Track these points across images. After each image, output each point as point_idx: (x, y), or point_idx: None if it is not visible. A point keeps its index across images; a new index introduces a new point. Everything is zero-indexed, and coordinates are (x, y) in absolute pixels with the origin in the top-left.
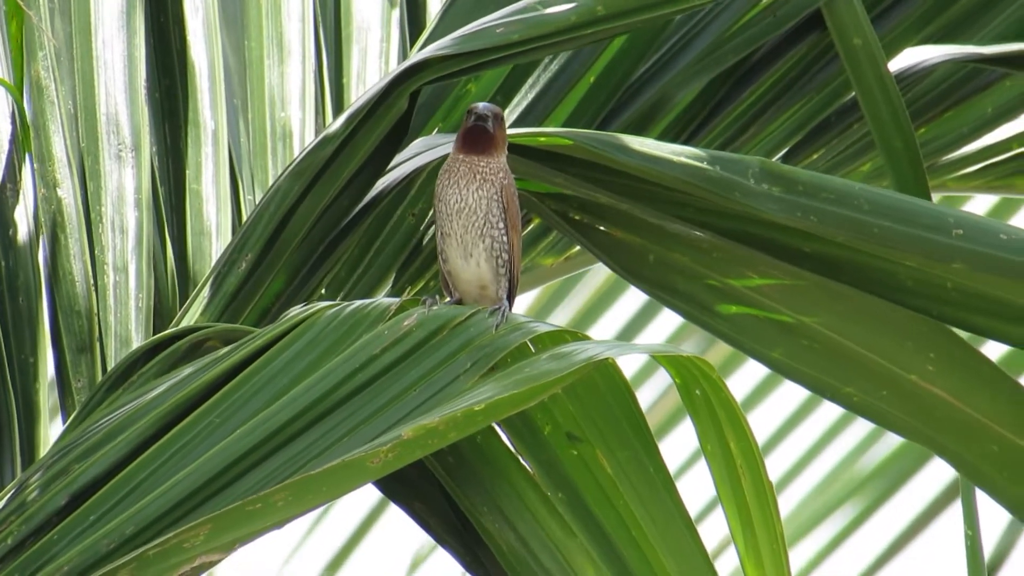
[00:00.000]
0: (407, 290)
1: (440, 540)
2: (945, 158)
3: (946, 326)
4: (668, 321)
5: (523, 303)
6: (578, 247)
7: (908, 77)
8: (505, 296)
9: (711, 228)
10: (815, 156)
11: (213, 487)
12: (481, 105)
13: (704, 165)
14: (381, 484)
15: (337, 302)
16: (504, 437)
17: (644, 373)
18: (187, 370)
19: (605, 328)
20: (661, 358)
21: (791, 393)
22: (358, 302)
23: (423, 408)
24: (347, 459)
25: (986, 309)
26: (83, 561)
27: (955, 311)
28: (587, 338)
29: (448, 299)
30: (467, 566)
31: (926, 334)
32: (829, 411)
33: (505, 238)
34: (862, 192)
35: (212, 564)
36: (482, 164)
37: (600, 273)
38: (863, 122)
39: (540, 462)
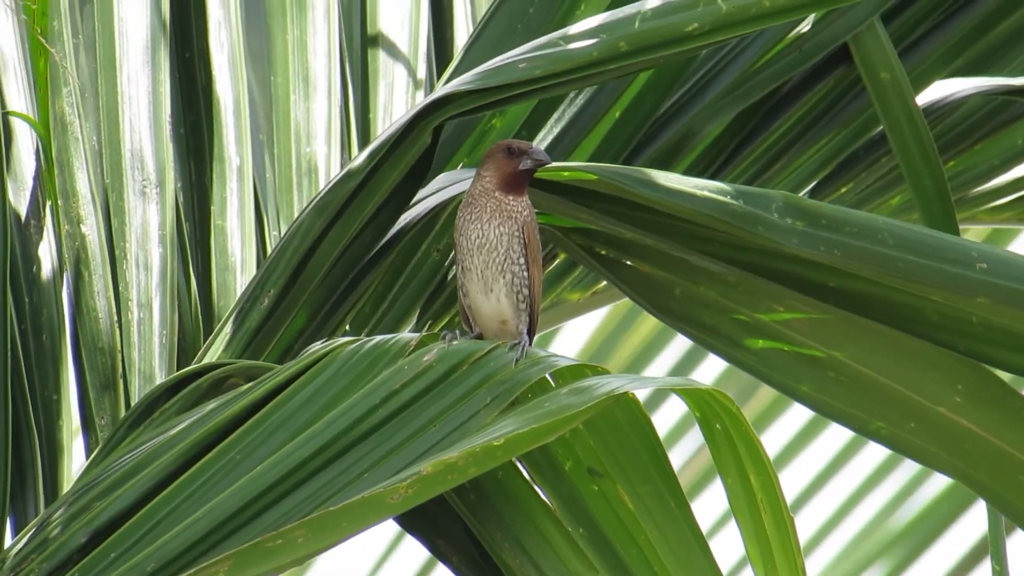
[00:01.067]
0: (429, 326)
1: None
2: (976, 190)
3: (973, 360)
4: (716, 363)
5: (576, 343)
6: (604, 282)
7: (938, 110)
8: (525, 331)
9: (736, 263)
10: (843, 190)
11: (234, 524)
12: (537, 148)
13: (728, 199)
14: (403, 520)
15: (357, 337)
16: (525, 473)
17: (678, 431)
18: (209, 406)
19: (657, 370)
20: (680, 391)
21: (825, 446)
22: (378, 337)
23: (443, 444)
24: (366, 495)
25: (1011, 344)
26: None
27: (980, 346)
28: (607, 372)
29: (469, 334)
30: None
31: (954, 366)
32: (859, 467)
33: (526, 273)
34: (886, 226)
35: None
36: (511, 204)
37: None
38: (891, 156)
39: (561, 498)
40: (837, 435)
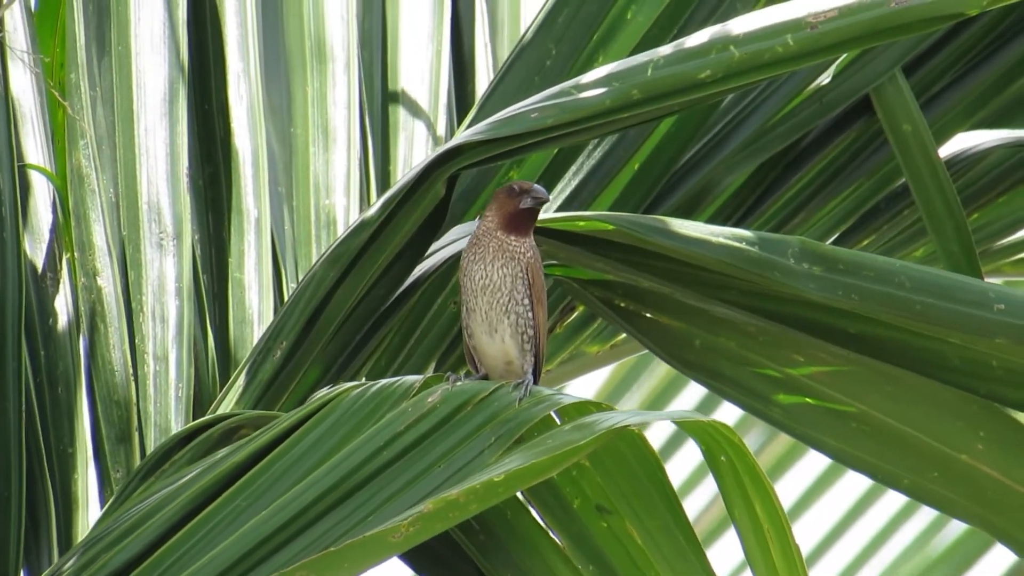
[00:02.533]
0: (435, 369)
1: None
2: (1000, 242)
3: (995, 405)
4: (730, 409)
5: (592, 386)
6: (623, 335)
7: (961, 162)
8: (530, 370)
9: (755, 310)
10: (865, 242)
11: (240, 569)
12: (537, 186)
13: (744, 246)
14: (416, 564)
15: (362, 382)
16: (534, 512)
17: (693, 480)
18: (219, 455)
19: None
20: (684, 423)
21: (848, 489)
22: (383, 381)
23: (447, 484)
24: (368, 535)
25: None
26: None
27: (1002, 388)
28: (612, 408)
29: (474, 374)
30: None
31: (976, 413)
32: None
33: (530, 314)
34: (903, 269)
35: None
36: (515, 244)
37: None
38: (914, 208)
39: (571, 535)
40: (857, 480)
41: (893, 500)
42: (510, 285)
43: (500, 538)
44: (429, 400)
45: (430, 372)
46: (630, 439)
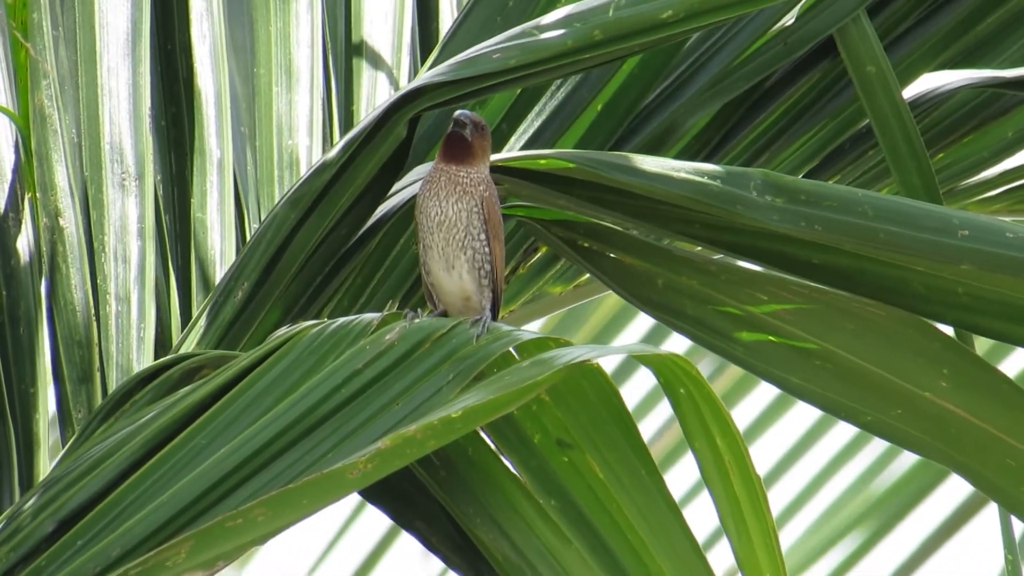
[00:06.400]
0: (390, 306)
1: (443, 557)
2: (965, 182)
3: (959, 343)
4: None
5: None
6: (587, 275)
7: (927, 102)
8: (489, 307)
9: (719, 243)
10: (830, 183)
11: (199, 507)
12: (460, 112)
13: (706, 180)
14: (382, 505)
15: (322, 320)
16: (494, 448)
17: (647, 403)
18: (179, 394)
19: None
20: (642, 357)
21: (797, 420)
22: (342, 319)
23: (406, 422)
24: (326, 472)
25: (998, 312)
26: None
27: (968, 316)
28: (569, 344)
29: (432, 311)
30: None
31: (939, 351)
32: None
33: (487, 249)
34: (866, 198)
35: None
36: (462, 175)
37: (609, 298)
38: (878, 149)
39: (531, 471)
40: (804, 414)
41: (840, 435)
42: (465, 220)
43: (461, 474)
44: (387, 338)
45: (388, 310)
46: (589, 373)
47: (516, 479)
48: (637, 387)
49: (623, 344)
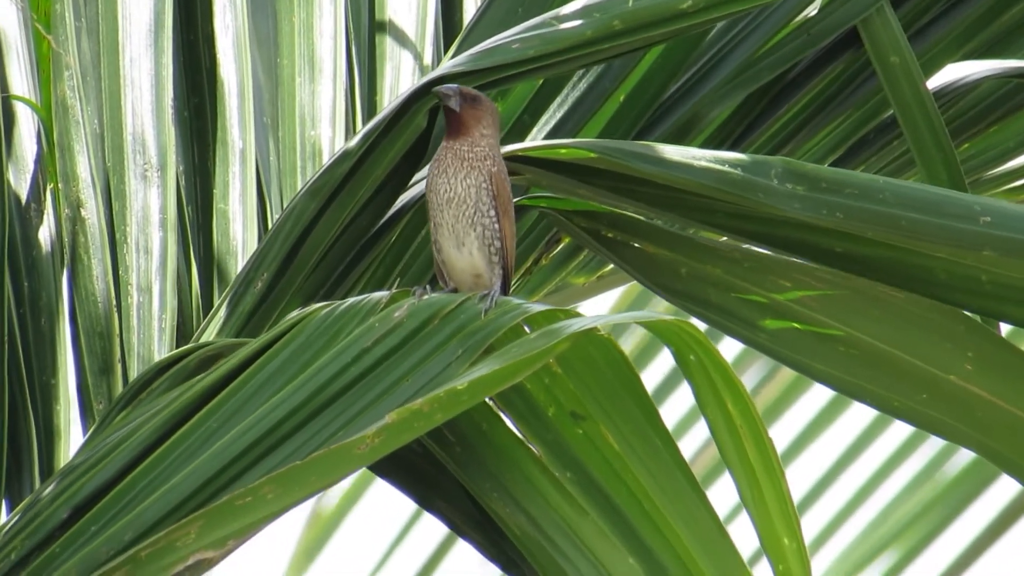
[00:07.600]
0: (398, 283)
1: (463, 535)
2: (991, 172)
3: (984, 326)
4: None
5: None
6: (610, 265)
7: (951, 92)
8: (499, 283)
9: (741, 233)
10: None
11: (210, 489)
12: (438, 87)
13: (726, 168)
14: (407, 488)
15: (332, 302)
16: (509, 423)
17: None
18: (194, 381)
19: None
20: (650, 324)
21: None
22: (352, 299)
23: (416, 398)
24: (333, 447)
25: (1022, 300)
26: (82, 569)
27: (991, 303)
28: (579, 315)
29: (444, 288)
30: (491, 557)
31: (964, 334)
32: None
33: (497, 225)
34: (887, 185)
35: (210, 564)
36: (465, 149)
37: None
38: (903, 139)
39: (547, 444)
40: (857, 417)
41: (894, 437)
42: (475, 197)
43: (476, 449)
44: (396, 315)
45: (397, 287)
46: (600, 344)
47: (532, 453)
48: (675, 406)
49: (631, 313)
